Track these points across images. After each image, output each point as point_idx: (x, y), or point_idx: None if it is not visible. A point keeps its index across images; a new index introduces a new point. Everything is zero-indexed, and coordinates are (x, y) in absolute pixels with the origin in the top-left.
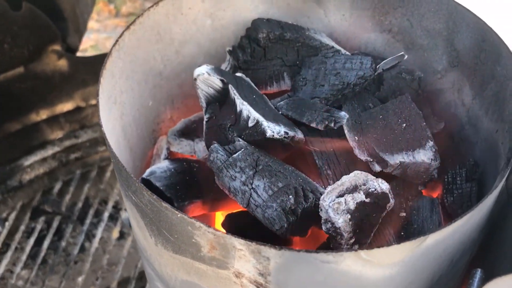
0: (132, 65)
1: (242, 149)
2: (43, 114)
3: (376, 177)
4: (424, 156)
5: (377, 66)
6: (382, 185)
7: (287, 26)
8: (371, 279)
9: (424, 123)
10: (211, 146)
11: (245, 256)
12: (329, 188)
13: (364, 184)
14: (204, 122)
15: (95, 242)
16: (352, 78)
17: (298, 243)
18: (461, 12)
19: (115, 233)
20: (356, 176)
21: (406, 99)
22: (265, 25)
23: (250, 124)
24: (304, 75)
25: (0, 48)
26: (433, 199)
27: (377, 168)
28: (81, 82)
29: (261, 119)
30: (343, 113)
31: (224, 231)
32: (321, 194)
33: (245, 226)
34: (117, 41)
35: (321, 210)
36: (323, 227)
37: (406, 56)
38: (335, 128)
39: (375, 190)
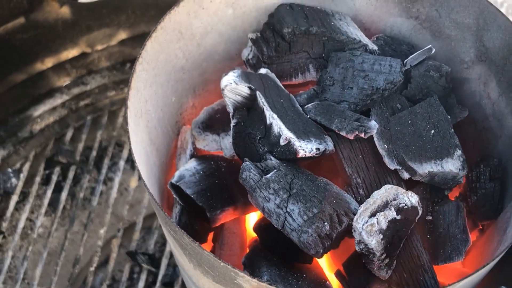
0: (155, 71)
1: (275, 170)
2: (48, 62)
3: (405, 183)
4: (452, 166)
5: (405, 62)
6: (412, 199)
7: (311, 14)
8: None
9: (452, 130)
10: (243, 164)
11: None
12: (361, 208)
13: (395, 199)
14: (232, 126)
15: (113, 192)
16: (381, 83)
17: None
18: (493, 12)
19: (133, 182)
20: (387, 192)
21: (435, 102)
22: (289, 16)
23: (282, 142)
24: (332, 74)
25: None
26: (458, 203)
27: (406, 175)
28: (85, 28)
29: (293, 138)
30: (373, 123)
31: (256, 235)
32: (353, 214)
33: (277, 234)
34: (140, 54)
35: (354, 231)
36: (356, 247)
37: (434, 50)
38: (365, 138)
39: (405, 205)
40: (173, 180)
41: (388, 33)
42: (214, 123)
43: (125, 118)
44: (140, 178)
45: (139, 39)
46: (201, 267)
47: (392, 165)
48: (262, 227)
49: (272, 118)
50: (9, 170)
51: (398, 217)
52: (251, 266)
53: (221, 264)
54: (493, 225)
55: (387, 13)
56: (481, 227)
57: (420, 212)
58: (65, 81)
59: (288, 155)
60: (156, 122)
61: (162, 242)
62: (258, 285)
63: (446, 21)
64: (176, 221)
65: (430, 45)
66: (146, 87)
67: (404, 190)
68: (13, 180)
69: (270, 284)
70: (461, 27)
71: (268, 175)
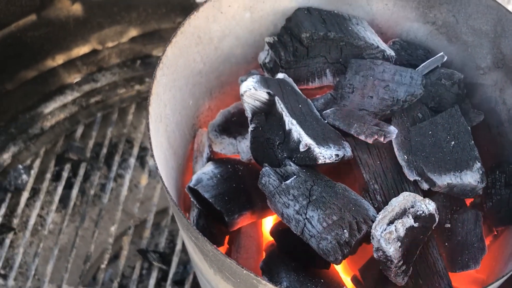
0: (174, 75)
1: (295, 176)
2: (59, 59)
3: (423, 195)
4: (471, 178)
5: (416, 70)
6: (429, 206)
7: (328, 18)
8: None
9: (473, 142)
10: (263, 169)
11: None
12: (380, 215)
13: (413, 207)
14: (250, 131)
15: (124, 189)
16: (402, 94)
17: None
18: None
19: (144, 180)
20: (405, 199)
21: (456, 113)
22: (307, 21)
23: (302, 149)
24: (351, 81)
25: None
26: (477, 212)
27: (425, 186)
28: (96, 25)
29: (313, 145)
30: (392, 128)
31: (272, 239)
32: (372, 221)
33: (294, 239)
34: (160, 59)
35: (372, 238)
36: (375, 254)
37: (445, 58)
38: (384, 142)
39: (423, 212)
40: (191, 184)
41: (404, 37)
42: (231, 126)
43: (147, 124)
44: (150, 175)
45: (150, 37)
46: (222, 273)
47: (411, 176)
48: (279, 231)
49: (291, 124)
50: (20, 166)
51: (416, 225)
52: (269, 271)
53: (244, 272)
54: (508, 231)
55: (404, 18)
56: (495, 233)
57: (437, 219)
58: (75, 78)
59: (307, 162)
60: (174, 126)
61: (171, 239)
62: None
63: (463, 27)
64: (194, 225)
65: (442, 53)
66: (166, 92)
67: (422, 198)
68: (24, 176)
69: None
70: (478, 34)
71: (288, 181)
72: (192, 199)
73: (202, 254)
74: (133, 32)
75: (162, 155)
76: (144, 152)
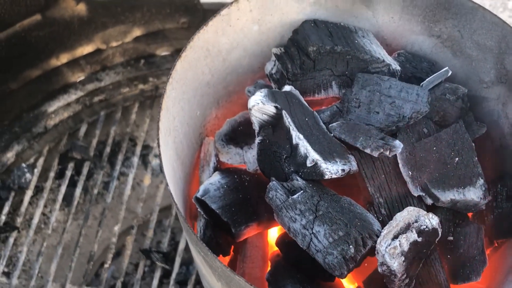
0: (183, 88)
1: (302, 191)
2: (63, 58)
3: (427, 209)
4: (474, 194)
5: (420, 85)
6: (433, 221)
7: (335, 31)
8: None
9: (476, 158)
10: (270, 184)
11: None
12: (385, 230)
13: (416, 221)
14: (257, 143)
15: (127, 188)
16: (408, 111)
17: None
18: None
19: (147, 180)
20: (409, 214)
21: (460, 129)
22: (314, 34)
23: (309, 164)
24: (358, 95)
25: None
26: (479, 226)
27: (429, 201)
28: (100, 25)
29: (319, 161)
30: (398, 142)
31: (278, 249)
32: (376, 236)
33: (300, 251)
34: (170, 74)
35: (377, 253)
36: (379, 269)
37: (450, 73)
38: (390, 156)
39: (426, 227)
40: (198, 195)
41: (409, 49)
42: (237, 136)
43: (157, 139)
44: (153, 174)
45: (154, 36)
46: (230, 287)
47: (415, 192)
48: (285, 243)
49: (298, 138)
50: (24, 165)
51: (419, 239)
52: (275, 283)
53: None
54: (508, 243)
55: (409, 31)
56: (496, 245)
57: (440, 233)
58: (79, 77)
59: (314, 176)
60: (182, 136)
61: (173, 237)
62: None
63: (467, 42)
64: (201, 235)
65: (446, 68)
66: (175, 105)
67: (425, 212)
68: (28, 175)
69: None
70: (483, 49)
71: (295, 196)
72: (199, 209)
73: (210, 269)
74: (137, 32)
75: (171, 167)
76: (147, 150)
